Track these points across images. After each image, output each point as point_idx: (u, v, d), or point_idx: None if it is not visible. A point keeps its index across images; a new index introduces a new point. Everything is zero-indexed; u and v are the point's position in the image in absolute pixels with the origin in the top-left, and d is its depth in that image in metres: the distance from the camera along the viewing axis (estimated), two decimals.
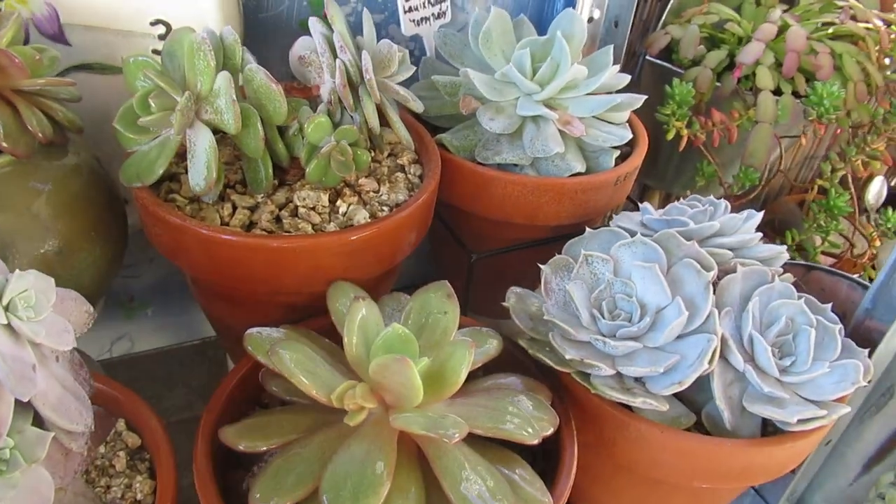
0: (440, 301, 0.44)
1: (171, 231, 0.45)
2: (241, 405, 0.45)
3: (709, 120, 0.72)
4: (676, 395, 0.48)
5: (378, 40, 0.51)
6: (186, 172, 0.46)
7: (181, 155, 0.48)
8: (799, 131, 0.73)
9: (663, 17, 0.82)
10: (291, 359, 0.37)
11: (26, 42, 0.49)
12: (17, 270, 0.32)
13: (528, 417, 0.40)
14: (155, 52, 0.53)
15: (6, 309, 0.31)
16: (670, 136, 0.72)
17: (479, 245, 0.59)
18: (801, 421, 0.43)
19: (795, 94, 0.73)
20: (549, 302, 0.49)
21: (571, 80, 0.56)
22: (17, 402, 0.32)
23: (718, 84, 0.75)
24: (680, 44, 0.76)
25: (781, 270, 0.51)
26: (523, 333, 0.48)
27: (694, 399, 0.48)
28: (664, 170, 0.88)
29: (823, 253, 0.79)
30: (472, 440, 0.40)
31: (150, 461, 0.41)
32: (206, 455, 0.39)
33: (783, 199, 1.04)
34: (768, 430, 0.46)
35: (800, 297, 0.48)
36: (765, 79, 0.71)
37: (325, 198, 0.49)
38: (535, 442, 0.39)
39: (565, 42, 0.56)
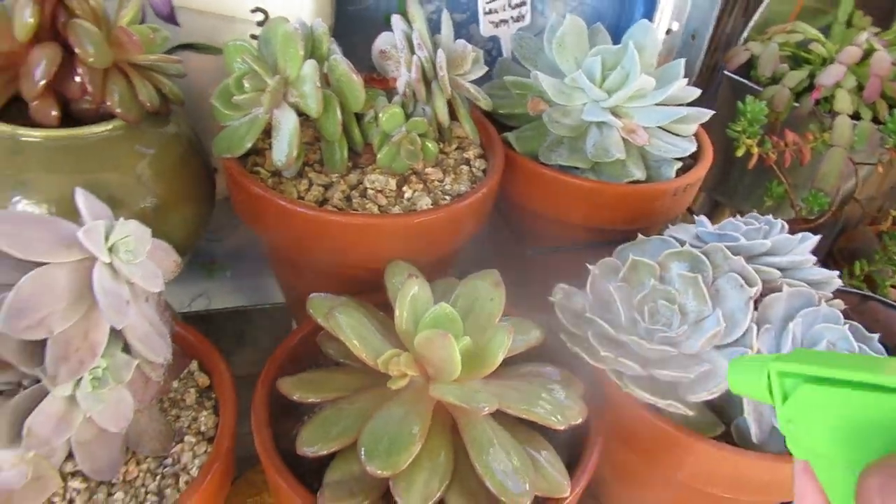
0: (488, 288, 0.47)
1: (253, 200, 0.50)
2: (300, 363, 0.49)
3: (781, 140, 0.72)
4: (709, 405, 0.49)
5: (456, 39, 0.54)
6: (271, 148, 0.50)
7: (267, 132, 0.53)
8: (877, 159, 0.72)
9: (746, 33, 0.82)
10: (346, 323, 0.42)
11: (142, 21, 0.55)
12: (121, 219, 0.37)
13: (558, 405, 0.43)
14: (252, 37, 0.58)
15: (110, 251, 0.36)
16: (740, 152, 0.72)
17: (535, 243, 0.62)
18: None
19: (875, 120, 0.72)
20: (593, 301, 0.51)
21: (639, 89, 0.57)
22: (111, 331, 0.37)
23: (796, 104, 0.75)
24: (759, 61, 0.75)
25: (831, 296, 0.52)
26: (565, 328, 0.51)
27: (726, 411, 0.49)
28: (735, 187, 0.87)
29: (893, 287, 0.78)
30: (503, 419, 0.43)
31: (216, 400, 0.46)
32: (263, 401, 0.44)
33: (863, 227, 1.01)
34: None
35: (845, 324, 0.49)
36: (843, 102, 0.70)
37: (392, 183, 0.53)
38: (562, 427, 0.42)
39: (636, 52, 0.58)
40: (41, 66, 0.43)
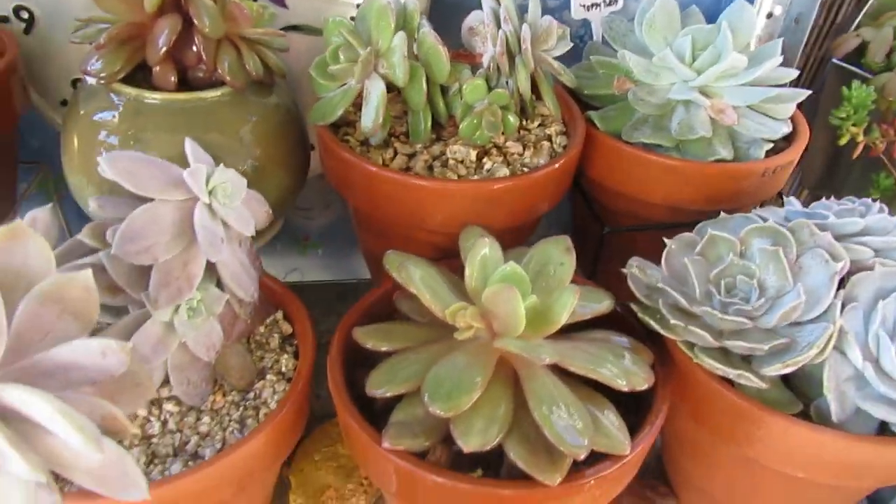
0: (559, 253, 0.48)
1: (342, 164, 0.53)
2: (376, 319, 0.52)
3: (890, 127, 0.68)
4: (786, 383, 0.47)
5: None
6: (361, 119, 0.54)
7: (358, 105, 0.56)
8: None
9: (857, 20, 0.78)
10: (418, 275, 0.44)
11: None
12: (222, 165, 0.41)
13: (624, 369, 0.43)
14: (352, 18, 0.62)
15: (210, 193, 0.40)
16: (843, 140, 0.69)
17: (615, 222, 0.62)
18: None
19: None
20: (667, 274, 0.51)
21: (729, 67, 0.56)
22: (206, 267, 0.41)
23: None
24: (870, 46, 0.72)
25: None
26: (637, 299, 0.50)
27: (805, 391, 0.47)
28: (840, 184, 0.83)
29: None
30: (566, 378, 0.43)
31: (297, 346, 0.50)
32: (339, 348, 0.47)
33: None
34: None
35: None
36: None
37: (473, 154, 0.55)
38: (625, 388, 0.42)
39: (730, 32, 0.57)
40: (164, 34, 0.48)
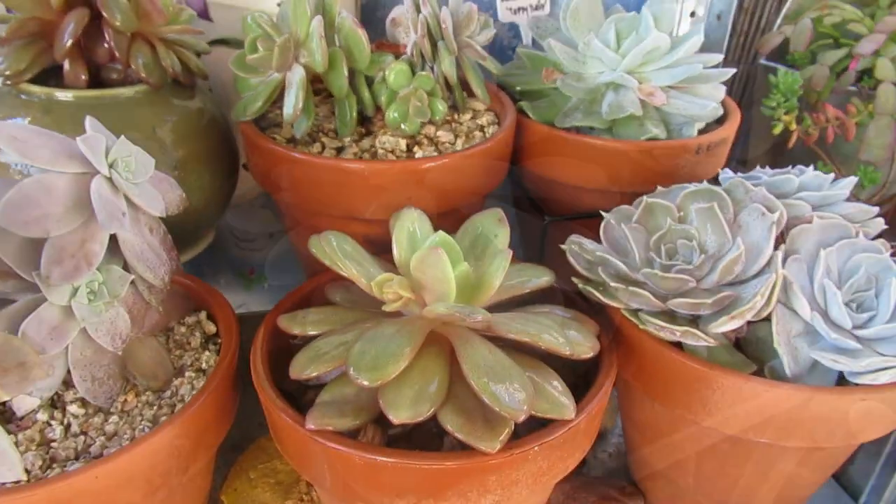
0: (491, 224, 0.46)
1: (266, 157, 0.51)
2: None
3: (821, 115, 0.69)
4: (736, 346, 0.45)
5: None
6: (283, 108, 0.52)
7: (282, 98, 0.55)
8: None
9: (780, 19, 0.81)
10: (339, 247, 0.41)
11: None
12: (123, 137, 0.39)
13: (567, 337, 0.41)
14: None
15: (111, 166, 0.38)
16: (777, 130, 0.69)
17: (556, 212, 0.61)
18: (874, 371, 0.40)
19: None
20: (606, 246, 0.49)
21: (653, 47, 0.57)
22: (110, 248, 0.38)
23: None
24: (792, 37, 0.73)
25: (872, 233, 0.48)
26: (577, 273, 0.48)
27: (758, 356, 0.45)
28: None
29: None
30: (507, 351, 0.40)
31: (221, 345, 0.46)
32: (264, 339, 0.44)
33: None
34: None
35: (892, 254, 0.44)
36: (884, 69, 0.67)
37: (403, 144, 0.54)
38: (568, 353, 0.39)
39: (652, 18, 0.58)
40: (70, 27, 0.47)
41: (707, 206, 0.45)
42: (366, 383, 0.35)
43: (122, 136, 0.39)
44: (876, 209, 0.48)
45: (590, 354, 0.42)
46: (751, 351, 0.45)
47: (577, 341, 0.41)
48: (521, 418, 0.35)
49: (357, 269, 0.41)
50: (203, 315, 0.48)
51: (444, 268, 0.38)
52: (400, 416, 0.35)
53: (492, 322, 0.38)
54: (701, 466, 0.48)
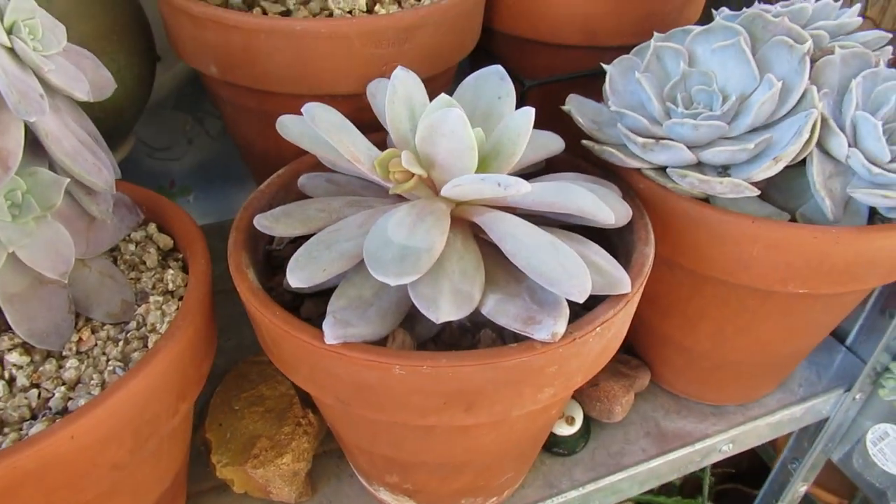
0: (492, 84, 0.39)
1: (194, 25, 0.41)
2: None
3: None
4: (766, 198, 0.42)
5: None
6: None
7: None
8: None
9: None
10: (327, 120, 0.33)
11: None
12: None
13: (601, 202, 0.35)
14: None
15: (9, 31, 0.28)
16: None
17: (532, 77, 0.54)
18: None
19: None
20: (615, 101, 0.43)
21: None
22: (30, 145, 0.29)
23: None
24: None
25: (887, 62, 0.45)
26: (587, 134, 0.43)
27: (784, 204, 0.42)
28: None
29: None
30: (539, 223, 0.35)
31: (184, 260, 0.38)
32: (240, 245, 0.36)
33: None
34: None
35: None
36: None
37: (362, 2, 0.45)
38: (612, 222, 0.34)
39: None
40: None
41: (730, 44, 0.40)
42: (394, 280, 0.29)
43: None
44: (890, 34, 0.44)
45: (628, 219, 0.37)
46: (775, 199, 0.42)
47: (615, 207, 0.36)
48: (584, 298, 0.30)
49: (354, 144, 0.33)
50: (152, 227, 0.39)
51: (463, 134, 0.32)
52: (442, 314, 0.29)
53: (530, 192, 0.32)
54: (722, 328, 0.45)
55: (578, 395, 0.51)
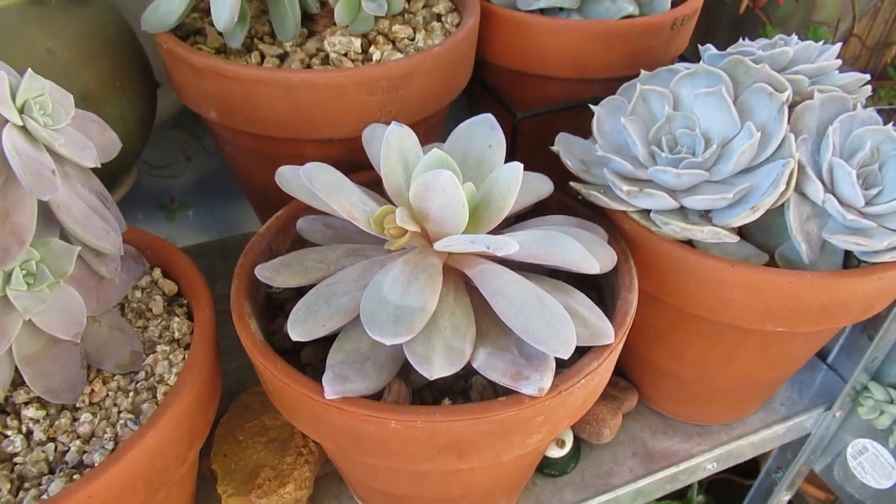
0: (484, 134, 0.41)
1: (195, 74, 0.42)
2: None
3: None
4: (745, 237, 0.44)
5: None
6: (212, 24, 0.43)
7: (202, 10, 0.45)
8: None
9: None
10: (323, 178, 0.35)
11: None
12: (30, 71, 0.30)
13: (585, 249, 0.37)
14: None
15: (21, 111, 0.29)
16: None
17: (524, 108, 0.55)
18: (890, 249, 0.39)
19: None
20: (602, 142, 0.45)
21: None
22: (42, 216, 0.30)
23: None
24: None
25: (865, 102, 0.46)
26: (575, 176, 0.44)
27: (764, 242, 0.44)
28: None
29: None
30: (525, 272, 0.36)
31: (188, 306, 0.40)
32: (242, 294, 0.38)
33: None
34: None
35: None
36: None
37: (357, 43, 0.46)
38: (596, 271, 0.36)
39: None
40: None
41: (712, 91, 0.42)
42: (389, 340, 0.31)
43: (28, 69, 0.30)
44: (867, 75, 0.46)
45: (612, 265, 0.39)
46: (756, 238, 0.44)
47: (599, 255, 0.38)
48: (568, 354, 0.32)
49: (350, 203, 0.35)
50: (157, 273, 0.41)
51: (454, 194, 0.33)
52: (435, 371, 0.31)
53: (518, 248, 0.34)
54: (706, 357, 0.47)
55: None
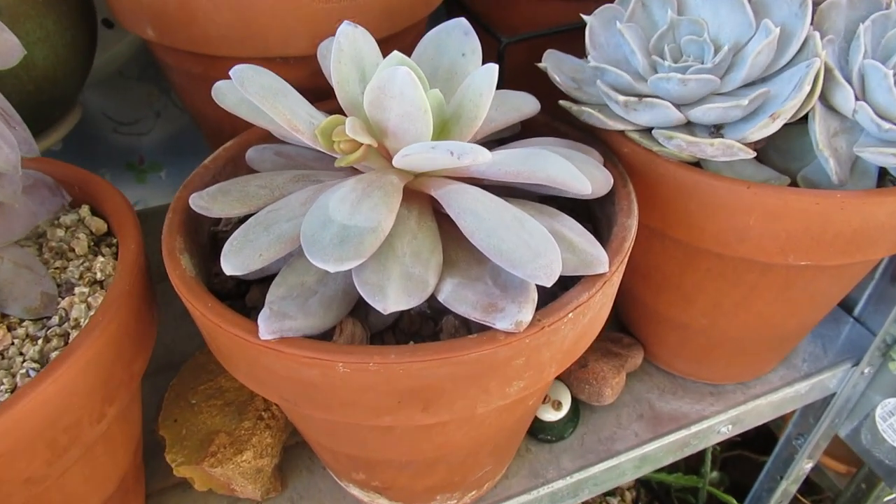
0: (455, 40, 0.35)
1: None
2: None
3: None
4: (764, 159, 0.38)
5: None
6: None
7: None
8: None
9: None
10: (260, 83, 0.29)
11: None
12: None
13: (576, 169, 0.31)
14: None
15: None
16: None
17: (510, 33, 0.50)
18: None
19: None
20: (596, 55, 0.39)
21: None
22: None
23: None
24: None
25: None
26: (566, 93, 0.39)
27: (784, 167, 0.38)
28: None
29: None
30: (504, 195, 0.31)
31: (117, 245, 0.34)
32: (176, 229, 0.32)
33: None
34: None
35: None
36: None
37: None
38: (588, 191, 0.30)
39: None
40: None
41: None
42: (332, 266, 0.25)
43: None
44: None
45: (607, 189, 0.33)
46: (774, 161, 0.38)
47: (592, 175, 0.32)
48: (552, 281, 0.26)
49: (291, 111, 0.29)
50: (85, 210, 0.36)
51: (413, 95, 0.28)
52: (390, 303, 0.26)
53: (493, 162, 0.28)
54: (719, 303, 0.42)
55: (566, 377, 0.48)
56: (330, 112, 0.32)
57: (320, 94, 0.38)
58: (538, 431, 0.47)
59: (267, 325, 0.27)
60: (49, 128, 0.44)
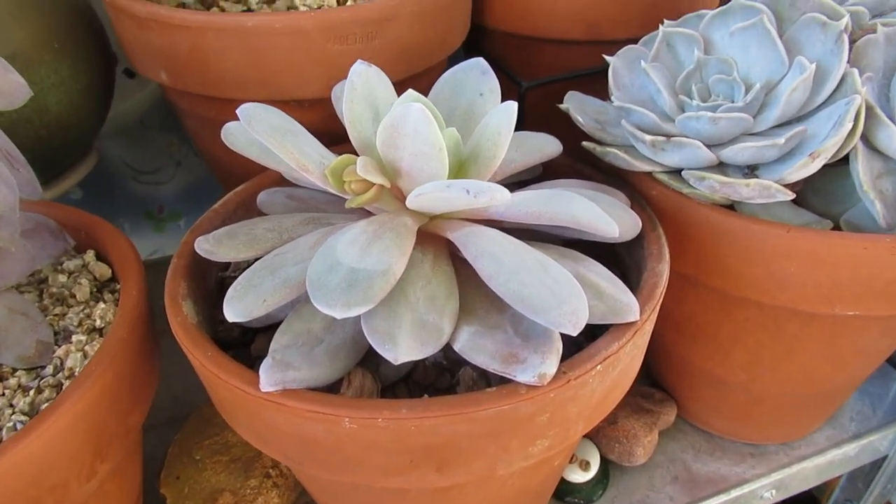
0: (473, 79, 0.34)
1: (139, 27, 0.37)
2: None
3: None
4: (803, 202, 0.36)
5: None
6: None
7: None
8: None
9: None
10: (267, 122, 0.28)
11: None
12: None
13: (603, 211, 0.29)
14: None
15: None
16: None
17: (531, 77, 0.49)
18: None
19: None
20: (619, 96, 0.38)
21: None
22: None
23: None
24: None
25: None
26: (589, 134, 0.37)
27: (824, 210, 0.36)
28: None
29: None
30: (525, 238, 0.29)
31: (120, 292, 0.33)
32: (180, 273, 0.31)
33: None
34: None
35: None
36: None
37: None
38: (616, 234, 0.28)
39: None
40: None
41: (749, 24, 0.35)
42: (340, 312, 0.23)
43: None
44: None
45: (636, 232, 0.31)
46: (814, 205, 0.36)
47: (620, 217, 0.30)
48: (578, 329, 0.24)
49: (300, 150, 0.28)
50: (90, 255, 0.34)
51: (429, 132, 0.26)
52: (401, 352, 0.24)
53: (513, 203, 0.27)
54: (759, 356, 0.39)
55: (594, 435, 0.45)
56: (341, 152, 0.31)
57: (335, 137, 0.37)
58: (565, 494, 0.43)
59: (268, 376, 0.25)
60: (62, 174, 0.43)
